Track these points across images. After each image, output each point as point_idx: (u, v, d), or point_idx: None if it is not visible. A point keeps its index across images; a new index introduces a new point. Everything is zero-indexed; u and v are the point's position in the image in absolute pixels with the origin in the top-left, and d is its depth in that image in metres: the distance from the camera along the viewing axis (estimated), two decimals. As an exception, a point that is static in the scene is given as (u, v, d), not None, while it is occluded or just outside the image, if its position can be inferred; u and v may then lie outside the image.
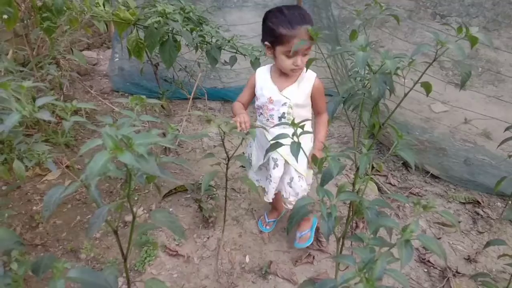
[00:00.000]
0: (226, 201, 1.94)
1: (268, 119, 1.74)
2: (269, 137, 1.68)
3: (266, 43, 1.62)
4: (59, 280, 0.67)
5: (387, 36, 4.01)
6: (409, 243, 0.81)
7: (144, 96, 1.10)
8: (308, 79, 1.69)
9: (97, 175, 0.68)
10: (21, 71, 1.74)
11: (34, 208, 2.21)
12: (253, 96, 1.80)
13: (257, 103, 1.75)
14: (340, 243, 1.22)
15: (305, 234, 2.02)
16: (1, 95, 0.92)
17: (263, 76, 1.74)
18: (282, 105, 1.68)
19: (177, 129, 3.00)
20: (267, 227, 2.17)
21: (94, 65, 3.95)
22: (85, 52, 4.00)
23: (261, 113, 1.76)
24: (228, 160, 1.62)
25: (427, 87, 1.18)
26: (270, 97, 1.69)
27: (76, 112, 3.07)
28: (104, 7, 2.15)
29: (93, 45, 4.27)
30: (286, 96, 1.67)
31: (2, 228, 0.65)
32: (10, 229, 1.78)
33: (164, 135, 1.21)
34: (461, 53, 1.06)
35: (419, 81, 1.15)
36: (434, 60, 1.12)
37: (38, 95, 2.45)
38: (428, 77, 1.19)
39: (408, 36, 4.28)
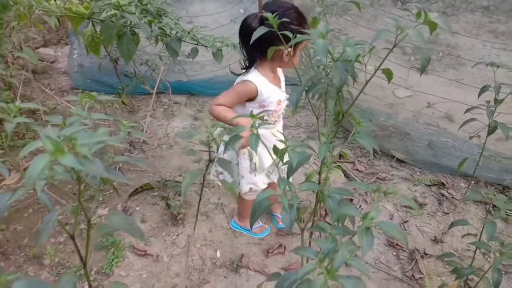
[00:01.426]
0: (200, 200, 1.90)
1: (276, 120, 1.72)
2: (279, 135, 1.69)
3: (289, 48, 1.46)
4: (1, 295, 0.62)
5: (350, 24, 4.04)
6: (369, 230, 0.80)
7: (95, 93, 1.05)
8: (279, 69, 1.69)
9: (37, 179, 0.63)
10: (-34, 72, 1.63)
11: (-8, 215, 2.10)
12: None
13: (263, 109, 1.65)
14: (308, 234, 1.21)
15: None
16: None
17: (264, 84, 1.59)
18: (285, 101, 1.68)
19: (139, 124, 2.90)
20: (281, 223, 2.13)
21: (52, 62, 3.79)
22: (41, 49, 3.83)
23: (268, 116, 1.68)
24: (209, 163, 1.56)
25: (388, 74, 1.17)
26: (278, 100, 1.64)
27: (34, 112, 2.95)
28: (55, 1, 2.04)
29: (50, 42, 4.09)
30: (284, 91, 1.68)
31: None
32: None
33: (129, 133, 1.16)
34: (420, 39, 1.06)
35: (380, 68, 1.14)
36: (394, 46, 1.12)
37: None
38: (390, 63, 1.19)
39: (371, 23, 4.32)
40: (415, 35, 1.06)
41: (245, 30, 1.51)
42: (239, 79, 1.63)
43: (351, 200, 2.30)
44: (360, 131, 0.95)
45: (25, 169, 2.31)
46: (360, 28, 4.03)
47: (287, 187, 0.92)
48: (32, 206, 2.19)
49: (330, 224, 0.94)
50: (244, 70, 1.62)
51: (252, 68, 1.60)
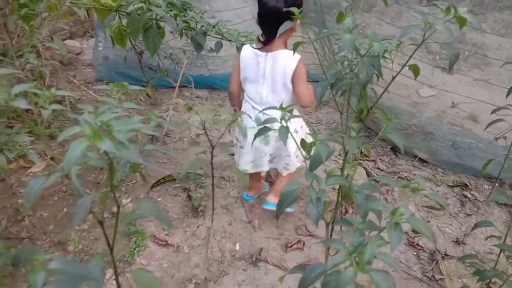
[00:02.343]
0: (213, 189, 1.92)
1: None
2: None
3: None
4: (39, 273, 0.65)
5: (374, 21, 3.98)
6: (398, 226, 0.80)
7: (126, 83, 1.07)
8: None
9: (75, 163, 0.65)
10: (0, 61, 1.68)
11: (19, 201, 2.16)
12: None
13: None
14: (330, 228, 1.21)
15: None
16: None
17: None
18: None
19: (162, 117, 2.94)
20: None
21: (77, 54, 3.85)
22: (67, 42, 3.90)
23: None
24: (213, 149, 1.59)
25: (415, 70, 1.16)
26: None
27: (59, 102, 3.01)
28: (84, -7, 2.08)
29: (76, 34, 4.16)
30: None
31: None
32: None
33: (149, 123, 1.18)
34: (449, 35, 1.04)
35: (407, 64, 1.13)
36: (422, 42, 1.11)
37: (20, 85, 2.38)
38: (415, 61, 1.17)
39: (395, 20, 4.25)
40: (444, 31, 1.05)
41: (271, 10, 1.58)
42: (294, 60, 1.67)
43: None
44: (390, 127, 0.95)
45: (52, 158, 2.37)
46: (384, 25, 3.97)
47: (314, 180, 0.93)
48: (57, 193, 2.24)
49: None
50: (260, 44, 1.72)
51: (281, 44, 1.69)
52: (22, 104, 0.83)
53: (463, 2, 4.65)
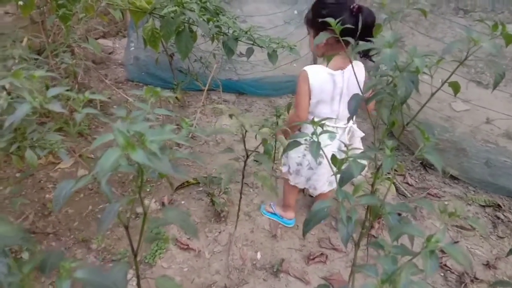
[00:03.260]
0: (241, 197, 1.91)
1: None
2: None
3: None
4: (65, 281, 0.64)
5: (408, 31, 3.91)
6: (434, 254, 0.76)
7: (159, 89, 1.06)
8: None
9: (108, 172, 0.64)
10: (35, 59, 1.72)
11: (47, 196, 2.20)
12: None
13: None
14: (357, 248, 1.17)
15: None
16: (15, 83, 0.89)
17: None
18: None
19: (192, 124, 2.96)
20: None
21: (109, 53, 3.93)
22: (100, 41, 3.98)
23: None
24: (247, 158, 1.58)
25: (455, 87, 1.11)
26: None
27: (90, 101, 3.07)
28: (120, -5, 2.11)
29: (109, 34, 4.25)
30: None
31: (7, 224, 0.62)
32: (17, 223, 1.78)
33: (178, 128, 1.18)
34: (496, 52, 0.99)
35: (448, 81, 1.08)
36: (465, 59, 1.06)
37: (52, 83, 2.44)
38: (448, 74, 1.12)
39: (430, 31, 4.16)
40: (491, 48, 1.00)
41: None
42: (362, 69, 1.67)
43: (399, 214, 2.21)
44: (427, 147, 0.90)
45: (80, 156, 2.41)
46: (417, 35, 3.89)
47: (345, 198, 0.89)
48: (84, 191, 2.27)
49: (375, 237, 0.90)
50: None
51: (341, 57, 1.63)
52: (56, 107, 0.83)
53: (502, 14, 4.51)
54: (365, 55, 1.61)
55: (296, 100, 1.72)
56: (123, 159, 0.83)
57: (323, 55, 1.69)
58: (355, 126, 1.81)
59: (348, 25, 1.13)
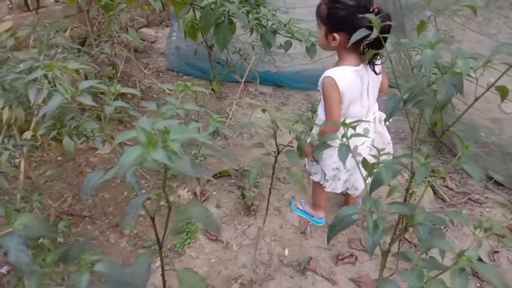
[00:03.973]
0: (270, 192, 1.89)
1: None
2: None
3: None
4: (84, 274, 0.65)
5: (458, 26, 3.69)
6: (464, 272, 0.72)
7: (189, 84, 1.06)
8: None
9: (129, 169, 0.65)
10: (78, 50, 1.78)
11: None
12: None
13: None
14: (385, 255, 1.13)
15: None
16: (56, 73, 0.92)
17: None
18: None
19: (225, 112, 2.95)
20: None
21: (152, 42, 4.00)
22: (144, 29, 4.06)
23: None
24: (278, 153, 1.56)
25: (503, 91, 1.03)
26: None
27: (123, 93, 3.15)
28: (162, -14, 2.14)
29: (153, 23, 4.33)
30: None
31: (32, 215, 0.63)
32: (55, 205, 1.86)
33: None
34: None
35: (495, 84, 1.01)
36: (515, 62, 0.98)
37: (97, 71, 2.51)
38: (498, 74, 1.04)
39: (483, 27, 3.91)
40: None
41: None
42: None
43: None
44: (466, 156, 0.85)
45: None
46: (469, 32, 3.67)
47: (373, 206, 0.86)
48: (120, 177, 2.34)
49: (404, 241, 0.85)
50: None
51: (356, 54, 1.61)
52: (87, 100, 0.85)
53: None
54: (369, 63, 1.56)
55: (328, 111, 1.62)
56: (147, 155, 0.83)
57: (330, 50, 1.69)
58: (380, 112, 1.77)
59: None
